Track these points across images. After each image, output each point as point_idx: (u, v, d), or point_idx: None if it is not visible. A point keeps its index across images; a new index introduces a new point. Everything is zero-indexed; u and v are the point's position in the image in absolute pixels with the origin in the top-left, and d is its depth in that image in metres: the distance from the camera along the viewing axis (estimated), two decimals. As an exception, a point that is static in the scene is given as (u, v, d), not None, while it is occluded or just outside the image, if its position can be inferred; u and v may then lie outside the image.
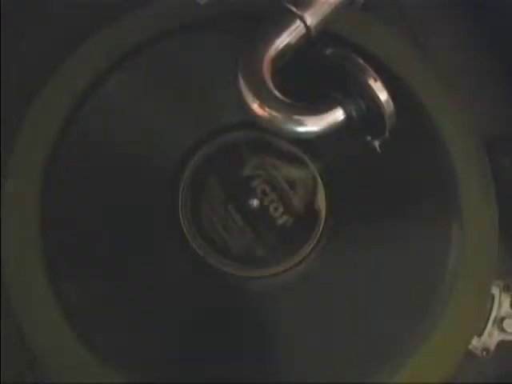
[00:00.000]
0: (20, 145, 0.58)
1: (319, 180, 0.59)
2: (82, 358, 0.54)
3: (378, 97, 0.53)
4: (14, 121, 0.58)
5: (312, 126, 0.54)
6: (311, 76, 0.56)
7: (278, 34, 0.54)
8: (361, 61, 0.53)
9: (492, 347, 0.58)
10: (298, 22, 0.55)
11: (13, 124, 0.58)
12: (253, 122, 0.54)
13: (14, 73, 0.62)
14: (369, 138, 0.57)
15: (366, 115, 0.54)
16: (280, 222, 0.58)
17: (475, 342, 0.58)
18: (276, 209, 0.58)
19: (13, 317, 0.55)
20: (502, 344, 0.59)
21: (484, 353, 0.58)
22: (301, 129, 0.54)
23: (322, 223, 0.58)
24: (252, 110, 0.53)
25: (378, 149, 0.57)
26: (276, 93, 0.53)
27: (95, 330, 0.55)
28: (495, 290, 0.59)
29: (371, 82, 0.52)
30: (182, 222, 0.57)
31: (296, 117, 0.53)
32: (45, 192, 0.57)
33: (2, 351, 0.57)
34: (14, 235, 0.56)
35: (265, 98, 0.53)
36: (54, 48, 0.62)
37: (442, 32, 0.68)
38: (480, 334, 0.58)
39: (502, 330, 0.58)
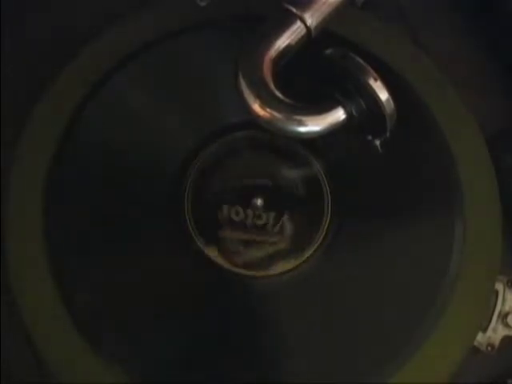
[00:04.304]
0: (23, 145, 0.58)
1: (323, 179, 0.59)
2: (85, 357, 0.54)
3: (378, 96, 0.53)
4: (14, 122, 0.59)
5: (313, 125, 0.54)
6: (311, 76, 0.57)
7: (279, 34, 0.54)
8: (361, 60, 0.53)
9: (496, 343, 0.58)
10: (298, 23, 0.55)
11: (14, 125, 0.59)
12: (254, 122, 0.54)
13: (16, 73, 0.63)
14: (370, 137, 0.57)
15: (367, 115, 0.54)
16: (284, 221, 0.58)
17: (480, 338, 0.58)
18: (280, 208, 0.58)
19: (15, 316, 0.55)
20: (506, 339, 0.59)
21: (489, 348, 0.58)
22: (302, 129, 0.54)
23: (327, 223, 0.58)
24: (253, 110, 0.53)
25: (380, 148, 0.57)
26: (277, 93, 0.53)
27: (98, 330, 0.55)
28: (499, 286, 0.59)
29: (371, 82, 0.53)
30: (186, 221, 0.58)
31: (297, 117, 0.53)
32: (48, 192, 0.57)
33: (4, 351, 0.57)
34: (16, 235, 0.56)
35: (266, 99, 0.53)
36: (53, 49, 0.62)
37: (442, 32, 0.68)
38: (484, 330, 0.58)
39: (507, 325, 0.58)
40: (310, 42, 0.56)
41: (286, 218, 0.58)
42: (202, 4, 0.62)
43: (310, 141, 0.58)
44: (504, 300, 0.59)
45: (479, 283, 0.57)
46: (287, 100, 0.53)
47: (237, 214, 0.58)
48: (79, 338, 0.54)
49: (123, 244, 0.57)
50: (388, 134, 0.55)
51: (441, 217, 0.58)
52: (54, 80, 0.60)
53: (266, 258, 0.57)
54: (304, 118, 0.54)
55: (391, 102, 0.53)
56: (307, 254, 0.57)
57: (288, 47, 0.54)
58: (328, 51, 0.55)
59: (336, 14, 0.56)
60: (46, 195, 0.57)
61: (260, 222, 0.58)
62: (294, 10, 0.54)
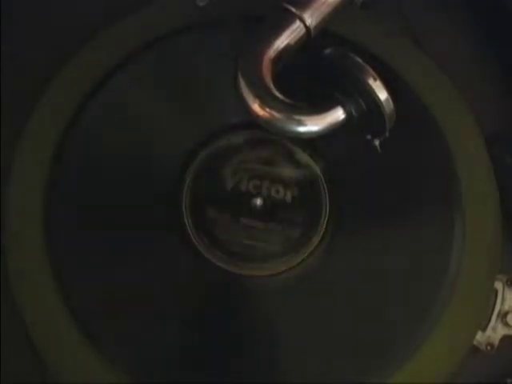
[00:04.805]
0: (23, 145, 0.58)
1: (322, 179, 0.59)
2: (85, 357, 0.54)
3: (377, 96, 0.53)
4: (14, 123, 0.59)
5: (312, 125, 0.54)
6: (311, 76, 0.57)
7: (278, 34, 0.54)
8: (360, 60, 0.53)
9: (496, 342, 0.58)
10: (298, 23, 0.55)
11: (14, 125, 0.59)
12: (254, 122, 0.54)
13: (16, 73, 0.63)
14: (369, 137, 0.57)
15: (366, 114, 0.55)
16: (283, 220, 0.58)
17: (479, 337, 0.58)
18: (279, 208, 0.58)
19: (15, 316, 0.55)
20: (505, 339, 0.59)
21: (488, 348, 0.58)
22: (301, 129, 0.54)
23: (325, 222, 0.58)
24: (252, 110, 0.53)
25: (379, 148, 0.57)
26: (276, 93, 0.53)
27: (98, 330, 0.55)
28: (498, 285, 0.59)
29: (371, 82, 0.53)
30: (185, 222, 0.58)
31: (296, 117, 0.54)
32: (48, 192, 0.57)
33: (4, 351, 0.57)
34: (16, 235, 0.56)
35: (265, 99, 0.53)
36: (53, 49, 0.62)
37: (442, 32, 0.68)
38: (484, 329, 0.58)
39: (506, 324, 0.58)
40: (310, 41, 0.56)
41: (285, 218, 0.58)
42: (201, 4, 0.62)
43: (310, 141, 0.58)
44: (503, 299, 0.59)
45: (479, 282, 0.57)
46: (286, 100, 0.53)
47: (236, 214, 0.58)
48: (79, 338, 0.54)
49: (123, 244, 0.57)
50: (387, 134, 0.55)
51: (441, 216, 0.58)
52: (53, 80, 0.60)
53: (265, 258, 0.57)
54: (303, 118, 0.54)
55: (390, 101, 0.53)
56: (306, 253, 0.57)
57: (287, 47, 0.55)
58: (327, 51, 0.55)
59: (335, 14, 0.56)
60: (46, 195, 0.57)
61: (259, 222, 0.58)
62: (294, 10, 0.55)
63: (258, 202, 0.58)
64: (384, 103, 0.53)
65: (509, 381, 0.59)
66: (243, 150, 0.60)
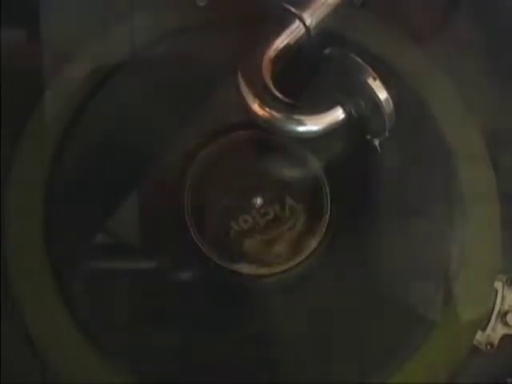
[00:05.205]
0: (23, 145, 0.58)
1: (322, 179, 0.59)
2: (85, 357, 0.54)
3: (377, 96, 0.53)
4: (14, 123, 0.59)
5: (312, 125, 0.54)
6: (311, 76, 0.57)
7: (278, 34, 0.55)
8: (360, 60, 0.53)
9: (496, 341, 0.58)
10: (298, 23, 0.55)
11: (14, 125, 0.59)
12: (254, 122, 0.54)
13: (16, 73, 0.63)
14: (369, 137, 0.57)
15: (366, 114, 0.55)
16: (283, 220, 0.58)
17: (479, 337, 0.58)
18: (279, 207, 0.58)
19: (15, 316, 0.55)
20: (505, 338, 0.59)
21: (488, 347, 0.58)
22: (301, 128, 0.54)
23: (325, 223, 0.58)
24: (252, 110, 0.54)
25: (379, 148, 0.57)
26: (276, 93, 0.54)
27: (98, 330, 0.55)
28: (498, 285, 0.59)
29: (370, 82, 0.53)
30: (186, 221, 0.58)
31: (296, 116, 0.54)
32: (48, 192, 0.57)
33: (4, 351, 0.57)
34: (16, 235, 0.56)
35: (265, 98, 0.53)
36: (54, 49, 0.62)
37: (442, 32, 0.68)
38: (484, 329, 0.58)
39: (506, 324, 0.58)
40: (310, 41, 0.56)
41: (285, 217, 0.58)
42: (201, 4, 0.62)
43: (310, 140, 0.58)
44: (503, 299, 0.59)
45: (479, 282, 0.57)
46: (286, 99, 0.54)
47: (236, 213, 0.58)
48: (79, 338, 0.54)
49: (123, 244, 0.57)
50: (387, 134, 0.55)
51: (441, 216, 0.58)
52: (53, 80, 0.60)
53: (265, 258, 0.57)
54: (303, 118, 0.54)
55: (390, 101, 0.53)
56: (307, 253, 0.57)
57: (287, 47, 0.55)
58: (327, 51, 0.55)
59: (335, 14, 0.56)
60: (46, 195, 0.57)
61: (259, 221, 0.58)
62: (293, 10, 0.55)
63: (259, 201, 0.58)
64: (384, 103, 0.53)
65: (509, 381, 0.59)
66: (243, 150, 0.60)
